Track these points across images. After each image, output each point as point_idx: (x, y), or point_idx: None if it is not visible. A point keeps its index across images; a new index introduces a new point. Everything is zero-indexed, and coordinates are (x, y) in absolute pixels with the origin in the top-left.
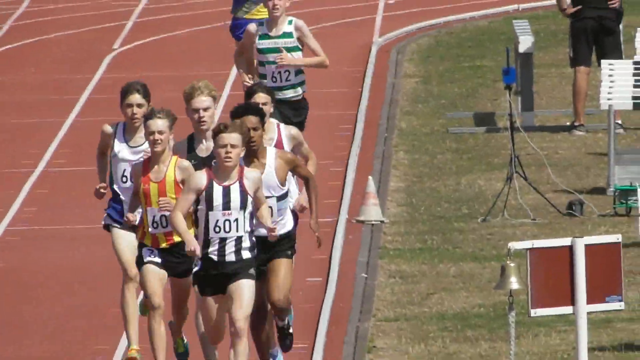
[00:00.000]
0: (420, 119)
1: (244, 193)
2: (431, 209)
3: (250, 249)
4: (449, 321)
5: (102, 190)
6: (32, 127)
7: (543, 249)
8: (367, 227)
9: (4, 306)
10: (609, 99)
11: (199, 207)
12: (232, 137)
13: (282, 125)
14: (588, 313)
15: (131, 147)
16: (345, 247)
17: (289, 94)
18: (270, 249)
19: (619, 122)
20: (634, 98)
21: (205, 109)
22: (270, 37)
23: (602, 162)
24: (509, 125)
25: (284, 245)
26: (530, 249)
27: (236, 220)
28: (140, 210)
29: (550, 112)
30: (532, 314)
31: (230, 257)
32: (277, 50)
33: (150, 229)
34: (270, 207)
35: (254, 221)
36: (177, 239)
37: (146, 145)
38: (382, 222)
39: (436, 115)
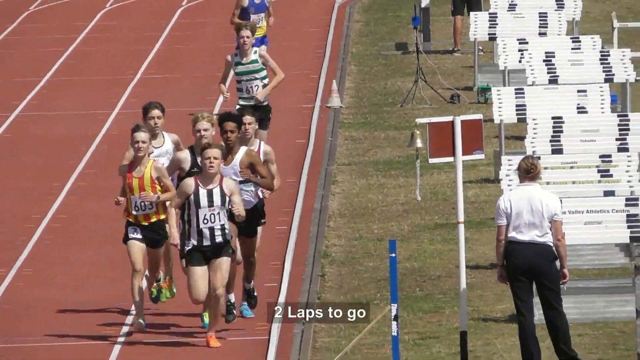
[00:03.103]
0: (364, 46)
1: (223, 195)
2: (370, 99)
3: (229, 234)
4: (380, 165)
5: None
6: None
7: (436, 123)
8: (332, 110)
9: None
10: (474, 34)
11: (190, 210)
12: (214, 152)
13: (262, 143)
14: (463, 161)
15: (155, 147)
16: (318, 122)
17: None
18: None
19: (481, 48)
20: (489, 34)
21: (205, 130)
22: (242, 64)
23: (470, 71)
24: (415, 49)
25: (257, 214)
26: (429, 122)
27: (218, 213)
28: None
29: (440, 42)
30: (430, 161)
31: (219, 239)
32: (248, 72)
33: (133, 212)
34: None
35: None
36: (153, 219)
37: (162, 150)
38: (341, 107)
39: (372, 44)
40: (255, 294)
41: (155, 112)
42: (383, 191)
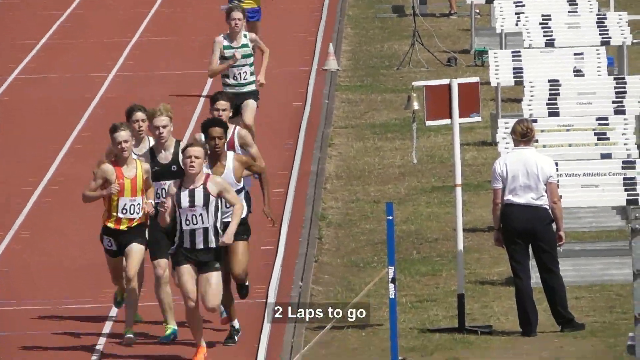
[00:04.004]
0: (360, 9)
1: (207, 194)
2: (366, 62)
3: (216, 240)
4: (377, 128)
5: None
6: None
7: (433, 86)
8: (328, 73)
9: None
10: None
11: (175, 211)
12: (196, 150)
13: (237, 128)
14: (460, 123)
15: (136, 154)
16: (315, 84)
17: (246, 88)
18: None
19: (477, 11)
20: None
21: (163, 127)
22: (232, 48)
23: (467, 34)
24: (412, 12)
25: (240, 230)
26: (425, 85)
27: (200, 215)
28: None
29: (436, 4)
30: (427, 124)
31: (200, 245)
32: (240, 56)
33: (119, 214)
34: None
35: (220, 214)
36: (135, 223)
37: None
38: (337, 69)
39: (369, 7)
40: (236, 338)
41: (139, 115)
42: (380, 154)
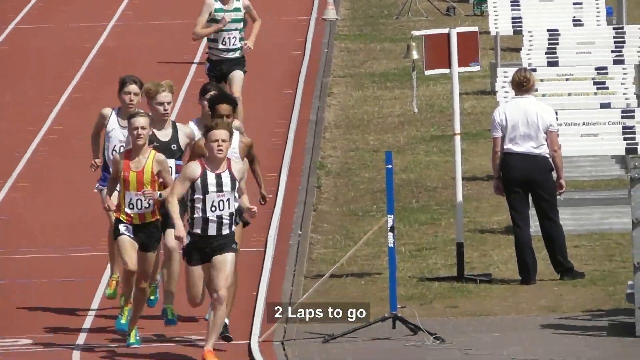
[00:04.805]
0: None
1: (233, 178)
2: (366, 11)
3: (236, 223)
4: (376, 77)
5: (97, 163)
6: None
7: (432, 35)
8: (327, 22)
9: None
10: None
11: (195, 196)
12: (222, 134)
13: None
14: (459, 72)
15: (122, 127)
16: (315, 32)
17: (233, 54)
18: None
19: None
20: None
21: (168, 103)
22: (224, 11)
23: None
24: None
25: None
26: (425, 34)
27: (228, 200)
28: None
29: None
30: (426, 73)
31: (226, 230)
32: (229, 20)
33: (127, 209)
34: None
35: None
36: (148, 219)
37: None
38: (336, 19)
39: None
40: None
41: (132, 88)
42: (379, 103)
